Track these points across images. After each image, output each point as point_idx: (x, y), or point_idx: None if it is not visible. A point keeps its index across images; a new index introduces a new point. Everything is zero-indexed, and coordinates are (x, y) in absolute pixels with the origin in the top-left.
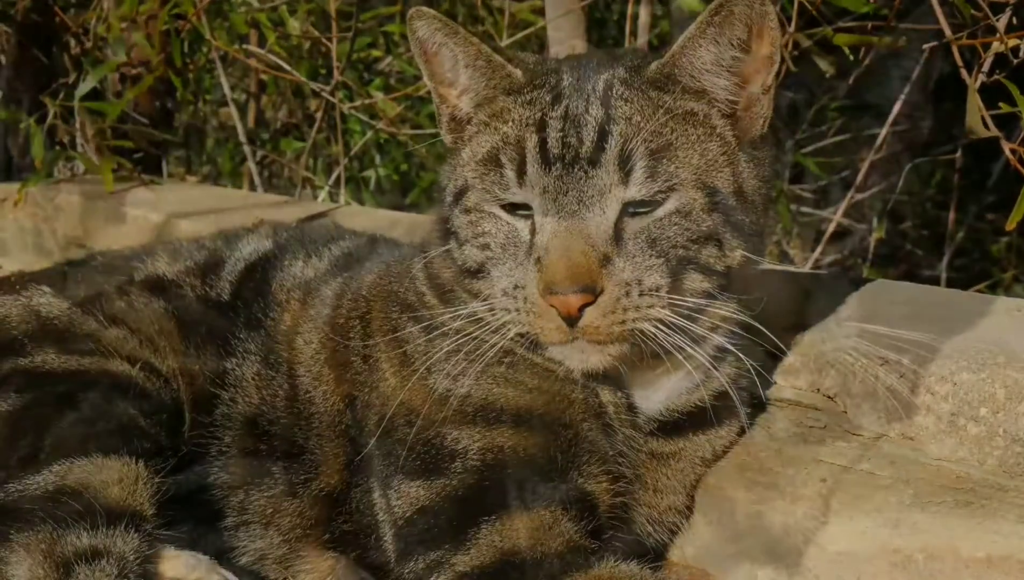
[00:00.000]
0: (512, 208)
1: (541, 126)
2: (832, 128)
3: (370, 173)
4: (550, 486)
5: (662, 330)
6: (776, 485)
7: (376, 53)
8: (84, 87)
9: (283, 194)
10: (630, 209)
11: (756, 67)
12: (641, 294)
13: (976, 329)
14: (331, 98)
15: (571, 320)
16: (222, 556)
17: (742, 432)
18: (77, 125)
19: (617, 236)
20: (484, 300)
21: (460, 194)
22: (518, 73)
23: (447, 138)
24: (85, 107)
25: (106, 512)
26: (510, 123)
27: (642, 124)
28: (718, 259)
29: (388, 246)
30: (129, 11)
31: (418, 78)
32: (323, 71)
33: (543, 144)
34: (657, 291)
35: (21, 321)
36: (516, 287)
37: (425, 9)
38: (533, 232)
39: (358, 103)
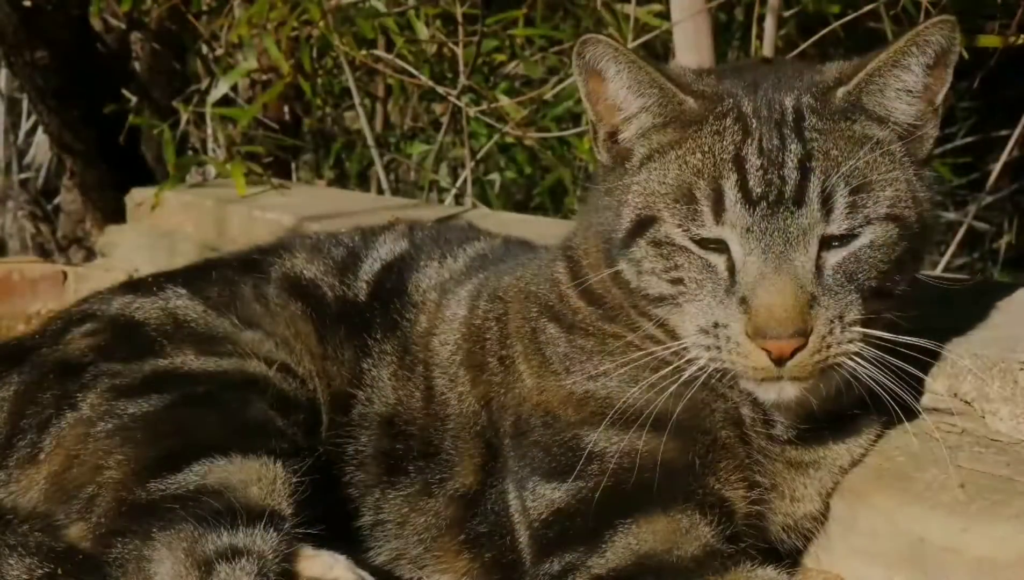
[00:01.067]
0: (703, 242)
1: (738, 162)
2: (962, 129)
3: (495, 176)
4: (687, 490)
5: (859, 363)
6: (913, 491)
7: (501, 57)
8: (216, 93)
9: (409, 197)
10: (827, 243)
11: (936, 89)
12: (842, 330)
13: None
14: (457, 102)
15: (781, 361)
16: (358, 556)
17: (879, 437)
18: (209, 130)
19: (818, 272)
20: (660, 324)
21: (644, 224)
22: (692, 103)
23: (603, 157)
24: (217, 113)
25: (246, 511)
26: (698, 155)
27: (839, 158)
28: (898, 284)
29: (522, 247)
30: (259, 18)
31: (544, 81)
32: (449, 75)
33: (743, 182)
34: (854, 325)
35: (160, 323)
36: (716, 326)
37: (599, 36)
38: (732, 270)
39: (484, 107)
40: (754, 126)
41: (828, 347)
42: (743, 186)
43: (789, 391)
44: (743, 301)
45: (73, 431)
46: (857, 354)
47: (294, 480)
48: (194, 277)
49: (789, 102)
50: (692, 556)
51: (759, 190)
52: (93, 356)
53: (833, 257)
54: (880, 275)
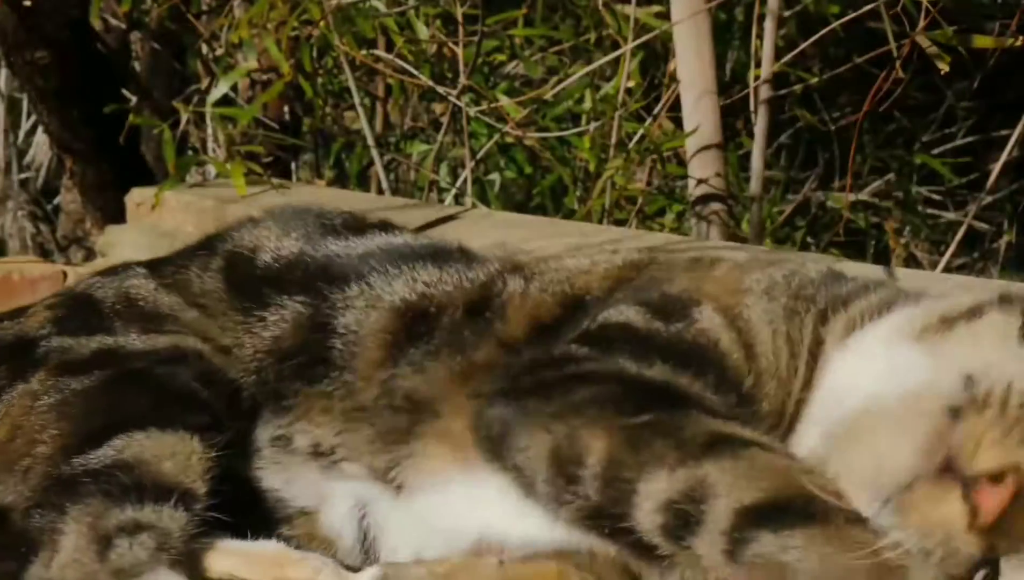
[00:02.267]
0: None
1: None
2: (962, 129)
3: (495, 176)
4: None
5: None
6: None
7: (501, 57)
8: (216, 93)
9: (409, 197)
10: None
11: None
12: None
13: None
14: (457, 102)
15: None
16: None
17: None
18: (209, 130)
19: None
20: None
21: None
22: None
23: None
24: (217, 112)
25: (155, 487)
26: None
27: None
28: None
29: None
30: (259, 18)
31: (544, 81)
32: (449, 75)
33: None
34: None
35: (114, 301)
36: None
37: None
38: None
39: (484, 106)
40: None
41: None
42: None
43: None
44: None
45: (20, 403)
46: None
47: (212, 455)
48: (161, 260)
49: None
50: None
51: None
52: (49, 330)
53: None
54: None
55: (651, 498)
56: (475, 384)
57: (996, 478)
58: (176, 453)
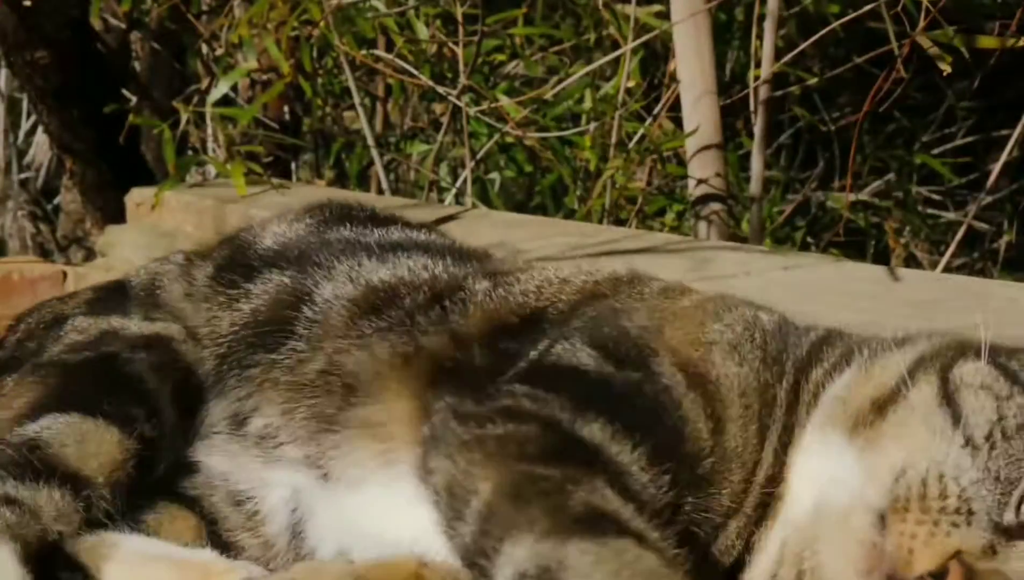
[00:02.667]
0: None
1: None
2: (962, 129)
3: (495, 176)
4: None
5: None
6: None
7: (501, 57)
8: (216, 93)
9: (409, 197)
10: None
11: None
12: None
13: None
14: (457, 101)
15: None
16: None
17: None
18: (209, 130)
19: None
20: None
21: None
22: None
23: None
24: (217, 112)
25: (46, 468)
26: None
27: None
28: None
29: None
30: (259, 18)
31: (544, 81)
32: (449, 75)
33: None
34: None
35: (140, 287)
36: None
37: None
38: None
39: (484, 106)
40: None
41: None
42: None
43: None
44: None
45: (26, 371)
46: None
47: (133, 446)
48: (199, 250)
49: None
50: None
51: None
52: (79, 310)
53: None
54: None
55: (511, 564)
56: (414, 370)
57: (938, 575)
58: (85, 440)
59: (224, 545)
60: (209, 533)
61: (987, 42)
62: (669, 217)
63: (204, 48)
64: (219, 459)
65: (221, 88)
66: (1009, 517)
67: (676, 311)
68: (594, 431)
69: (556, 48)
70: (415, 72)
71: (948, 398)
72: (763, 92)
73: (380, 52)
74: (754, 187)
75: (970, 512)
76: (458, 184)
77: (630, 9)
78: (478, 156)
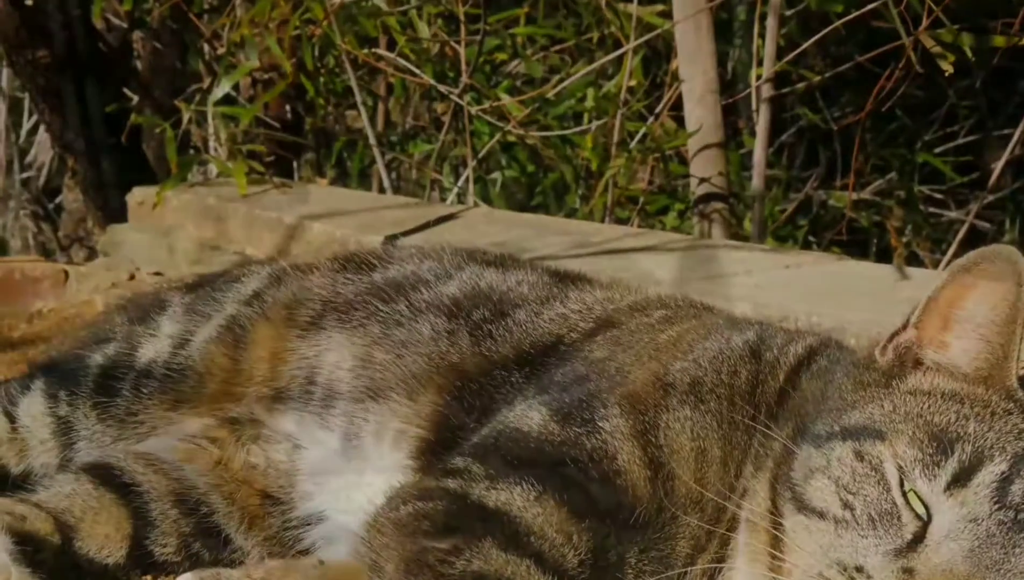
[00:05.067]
0: (911, 492)
1: (1016, 466)
2: (964, 127)
3: (497, 175)
4: None
5: None
6: None
7: (503, 56)
8: (218, 92)
9: (411, 196)
10: None
11: None
12: None
13: None
14: (459, 101)
15: None
16: None
17: None
18: (211, 129)
19: None
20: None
21: (863, 434)
22: (1011, 385)
23: (881, 359)
24: (219, 112)
25: None
26: (984, 427)
27: None
28: None
29: None
30: (261, 16)
31: (545, 80)
32: (451, 74)
33: (1004, 481)
34: None
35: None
36: (858, 569)
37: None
38: (918, 538)
39: (485, 105)
40: None
41: None
42: (1001, 484)
43: None
44: (909, 572)
45: None
46: None
47: (59, 423)
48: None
49: None
50: None
51: (1015, 500)
52: (173, 296)
53: None
54: None
55: None
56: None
57: None
58: (19, 415)
59: None
60: None
61: (998, 41)
62: (671, 216)
63: (206, 47)
64: None
65: (223, 87)
66: None
67: (657, 345)
68: (512, 495)
69: (558, 47)
70: (417, 71)
71: None
72: (765, 91)
73: (382, 51)
74: (756, 185)
75: None
76: (460, 183)
77: (632, 8)
78: (480, 155)
